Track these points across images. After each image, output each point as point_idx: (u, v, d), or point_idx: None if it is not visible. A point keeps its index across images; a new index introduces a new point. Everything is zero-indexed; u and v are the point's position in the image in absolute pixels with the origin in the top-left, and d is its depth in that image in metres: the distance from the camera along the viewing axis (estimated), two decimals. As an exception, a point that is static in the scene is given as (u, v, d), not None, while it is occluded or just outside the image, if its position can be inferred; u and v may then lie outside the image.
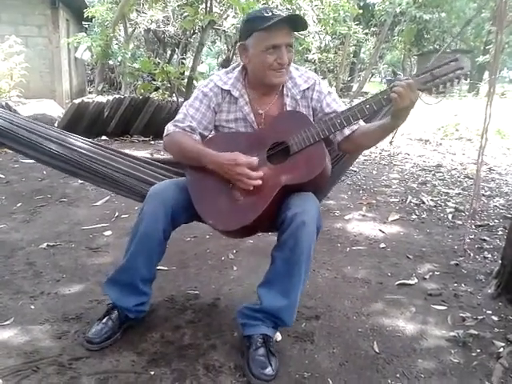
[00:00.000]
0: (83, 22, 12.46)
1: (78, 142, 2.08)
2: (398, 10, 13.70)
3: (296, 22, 1.72)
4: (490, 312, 2.16)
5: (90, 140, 2.16)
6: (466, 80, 1.74)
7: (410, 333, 1.99)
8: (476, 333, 1.97)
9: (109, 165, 2.02)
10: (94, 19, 9.28)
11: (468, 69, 1.68)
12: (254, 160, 1.72)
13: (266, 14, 1.70)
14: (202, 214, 1.77)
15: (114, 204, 3.49)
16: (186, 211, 1.80)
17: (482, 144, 2.44)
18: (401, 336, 1.96)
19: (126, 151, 2.29)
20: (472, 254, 2.79)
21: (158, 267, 2.00)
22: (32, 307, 2.08)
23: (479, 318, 2.10)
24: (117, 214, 3.32)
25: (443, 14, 18.39)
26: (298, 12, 9.34)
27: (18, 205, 3.46)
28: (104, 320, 1.84)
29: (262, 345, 1.71)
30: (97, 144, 2.15)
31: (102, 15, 8.90)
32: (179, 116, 1.91)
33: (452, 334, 1.97)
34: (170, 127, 1.90)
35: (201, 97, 1.90)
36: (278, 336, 1.87)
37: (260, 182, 1.70)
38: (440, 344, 1.92)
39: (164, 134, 1.92)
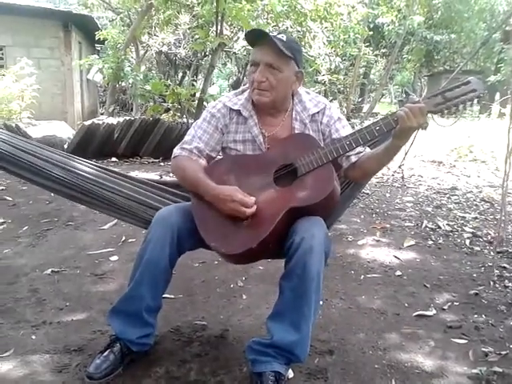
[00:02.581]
0: (96, 45, 12.65)
1: (83, 165, 2.01)
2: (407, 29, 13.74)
3: (277, 43, 1.67)
4: (513, 346, 2.04)
5: (95, 163, 2.09)
6: (478, 103, 1.70)
7: (429, 369, 1.87)
8: (500, 370, 1.84)
9: (113, 189, 1.95)
10: (106, 42, 9.39)
11: (481, 91, 1.66)
12: (251, 200, 1.66)
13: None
14: (204, 236, 1.69)
15: (121, 227, 3.42)
16: (192, 237, 1.73)
17: (506, 170, 2.34)
18: (420, 373, 1.85)
19: (133, 174, 2.23)
20: (492, 283, 2.67)
21: (164, 295, 1.92)
22: (33, 337, 2.00)
23: (502, 353, 1.98)
24: (124, 238, 3.25)
25: (453, 36, 18.42)
26: (307, 35, 9.40)
27: (24, 228, 3.41)
28: (105, 353, 1.75)
29: (273, 383, 1.60)
30: (102, 168, 2.08)
31: (113, 38, 8.99)
32: (187, 138, 1.89)
33: (474, 371, 1.85)
34: (176, 151, 1.88)
35: (208, 118, 1.88)
36: (290, 373, 1.76)
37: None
38: (462, 382, 1.80)
39: (172, 157, 1.90)
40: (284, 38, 1.71)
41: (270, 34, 1.71)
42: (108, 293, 2.43)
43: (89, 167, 2.03)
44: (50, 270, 2.69)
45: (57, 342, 1.97)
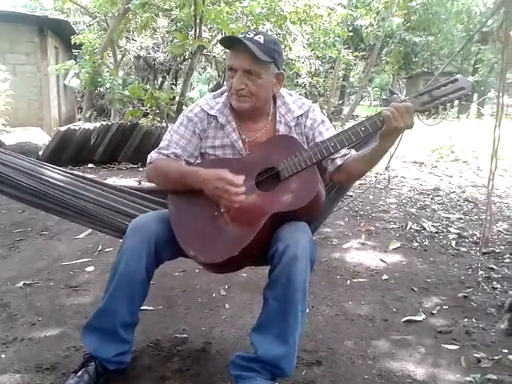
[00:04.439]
0: (73, 50, 12.44)
1: (54, 173, 1.89)
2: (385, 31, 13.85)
3: (254, 50, 1.57)
4: (506, 351, 1.98)
5: (66, 171, 1.97)
6: (466, 101, 1.65)
7: (421, 377, 1.80)
8: (494, 377, 1.78)
9: (86, 197, 1.83)
10: (83, 46, 9.22)
11: (469, 89, 1.60)
12: (240, 178, 1.55)
13: (239, 35, 1.63)
14: (183, 245, 1.60)
15: (97, 236, 3.28)
16: (171, 246, 1.63)
17: (491, 169, 2.30)
18: (411, 382, 1.77)
19: (110, 181, 2.12)
20: (480, 285, 2.61)
21: (143, 307, 1.82)
22: (3, 356, 1.88)
23: (495, 358, 1.91)
24: (100, 247, 3.12)
25: (430, 38, 18.62)
26: (287, 37, 9.37)
27: (-4, 239, 3.26)
28: (79, 373, 1.63)
29: (258, 399, 1.51)
30: (74, 175, 1.96)
31: (90, 42, 8.83)
32: (163, 143, 1.78)
33: (468, 378, 1.78)
34: (153, 155, 1.78)
35: (185, 122, 1.77)
36: (277, 387, 1.66)
37: (243, 197, 1.53)
38: (455, 390, 1.73)
39: (147, 162, 1.79)
40: (261, 40, 1.60)
41: (247, 35, 1.61)
42: (83, 306, 2.31)
43: (60, 175, 1.90)
44: (22, 282, 2.55)
45: (28, 360, 1.85)
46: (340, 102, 19.83)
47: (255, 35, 1.62)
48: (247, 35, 1.61)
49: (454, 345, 2.03)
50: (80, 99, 13.67)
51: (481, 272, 2.72)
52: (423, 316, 2.28)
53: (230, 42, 1.67)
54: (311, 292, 2.34)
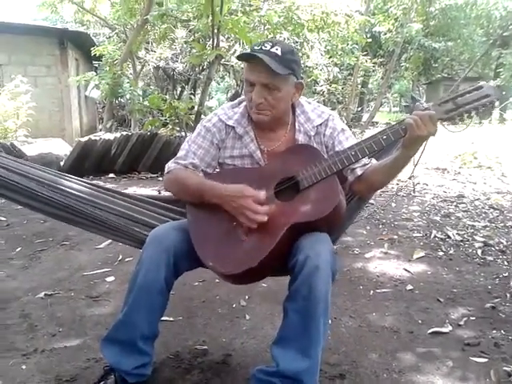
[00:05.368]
0: (93, 62, 12.65)
1: (74, 184, 1.89)
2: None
3: (273, 64, 1.53)
4: (537, 364, 1.90)
5: (86, 181, 1.97)
6: (493, 108, 1.59)
7: (449, 392, 1.74)
8: (526, 392, 1.71)
9: (106, 207, 1.82)
10: (103, 58, 9.36)
11: (495, 96, 1.54)
12: (262, 194, 1.55)
13: (255, 47, 1.60)
14: (201, 255, 1.57)
15: (118, 246, 3.27)
16: (190, 257, 1.60)
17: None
18: (439, 397, 1.71)
19: (130, 190, 2.12)
20: (508, 295, 2.53)
21: (163, 318, 1.79)
22: (23, 367, 1.87)
23: (527, 372, 1.84)
24: (120, 257, 3.11)
25: (450, 43, 18.41)
26: (305, 45, 9.36)
27: (18, 249, 3.28)
28: (99, 386, 1.62)
29: (280, 414, 1.46)
30: (94, 185, 1.96)
31: (110, 53, 8.95)
32: (181, 153, 1.77)
33: (498, 393, 1.72)
34: (170, 165, 1.77)
35: (203, 132, 1.76)
36: (299, 402, 1.62)
37: (265, 218, 1.52)
38: (486, 406, 1.67)
39: (165, 172, 1.78)
40: (279, 52, 1.56)
41: (263, 48, 1.57)
42: (103, 316, 2.30)
43: (80, 185, 1.90)
44: (43, 293, 2.55)
45: (48, 371, 1.84)
46: (359, 108, 19.74)
47: (272, 47, 1.58)
48: (263, 47, 1.57)
49: (482, 358, 1.96)
50: (101, 110, 13.87)
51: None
52: (450, 328, 2.21)
53: (246, 56, 1.64)
54: (333, 303, 2.28)
